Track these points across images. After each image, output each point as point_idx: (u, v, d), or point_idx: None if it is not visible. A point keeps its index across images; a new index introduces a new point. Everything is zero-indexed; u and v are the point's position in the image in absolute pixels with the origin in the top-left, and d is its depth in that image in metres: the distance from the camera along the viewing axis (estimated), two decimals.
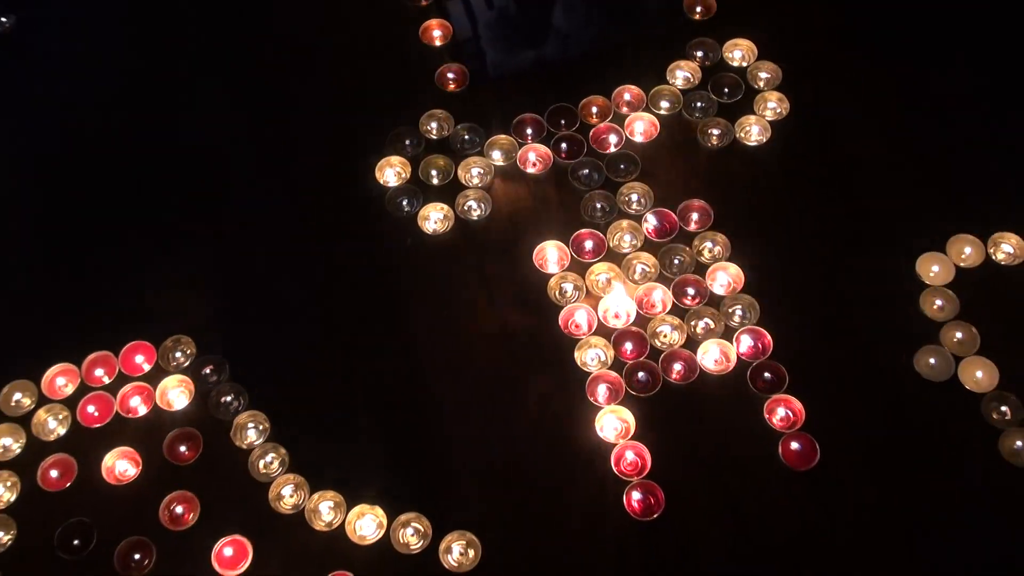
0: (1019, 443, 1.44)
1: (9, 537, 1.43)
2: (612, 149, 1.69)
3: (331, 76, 1.80)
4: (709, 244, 1.61)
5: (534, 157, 1.69)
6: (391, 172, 1.69)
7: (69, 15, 1.87)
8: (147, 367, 1.55)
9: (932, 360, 1.51)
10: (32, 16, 1.85)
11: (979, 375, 1.49)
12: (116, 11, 1.87)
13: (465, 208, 1.66)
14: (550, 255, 1.61)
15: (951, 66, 1.75)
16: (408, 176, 1.69)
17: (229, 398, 1.52)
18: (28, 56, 1.83)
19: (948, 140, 1.69)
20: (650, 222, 1.63)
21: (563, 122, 1.71)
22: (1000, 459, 1.44)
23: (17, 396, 1.52)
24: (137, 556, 1.41)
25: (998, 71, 1.75)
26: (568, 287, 1.59)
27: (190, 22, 1.85)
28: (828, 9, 1.81)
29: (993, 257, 1.59)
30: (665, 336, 1.55)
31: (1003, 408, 1.47)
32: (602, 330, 1.56)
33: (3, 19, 1.82)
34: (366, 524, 1.43)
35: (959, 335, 1.52)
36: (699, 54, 1.76)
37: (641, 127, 1.70)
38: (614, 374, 1.52)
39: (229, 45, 1.83)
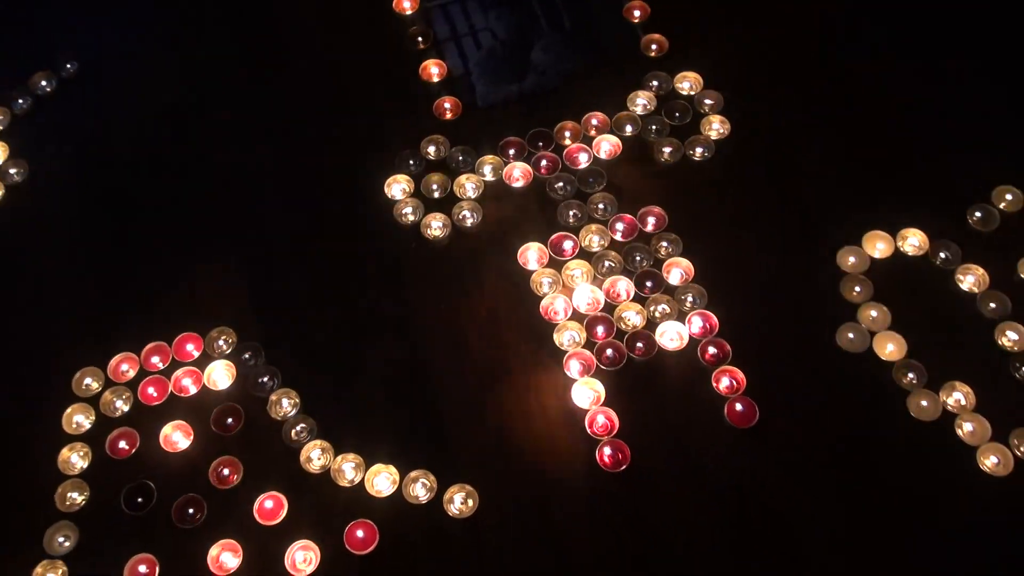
0: (923, 402, 1.48)
1: (83, 498, 1.46)
2: (582, 165, 1.72)
3: (345, 109, 1.82)
4: (664, 243, 1.64)
5: (517, 173, 1.72)
6: (397, 188, 1.71)
7: (120, 59, 1.89)
8: (196, 354, 1.58)
9: (851, 335, 1.54)
10: (91, 62, 1.87)
11: (890, 347, 1.53)
12: (157, 57, 1.90)
13: (460, 217, 1.68)
14: (532, 254, 1.64)
15: (860, 91, 1.79)
16: (412, 191, 1.71)
17: (265, 378, 1.55)
18: (88, 95, 1.85)
19: (862, 152, 1.73)
20: (615, 226, 1.66)
21: (541, 143, 1.74)
22: (908, 415, 1.48)
23: (87, 380, 1.55)
24: (191, 510, 1.45)
25: (902, 95, 1.79)
26: (547, 280, 1.61)
27: (224, 66, 1.88)
28: (760, 48, 1.84)
29: (901, 249, 1.62)
30: (629, 320, 1.58)
31: (910, 374, 1.51)
32: (576, 316, 1.59)
33: (68, 65, 1.84)
34: (382, 481, 1.46)
35: (873, 314, 1.56)
36: (654, 84, 1.79)
37: (606, 146, 1.73)
38: (587, 352, 1.55)
39: (260, 87, 1.86)
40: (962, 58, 1.83)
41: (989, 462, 1.46)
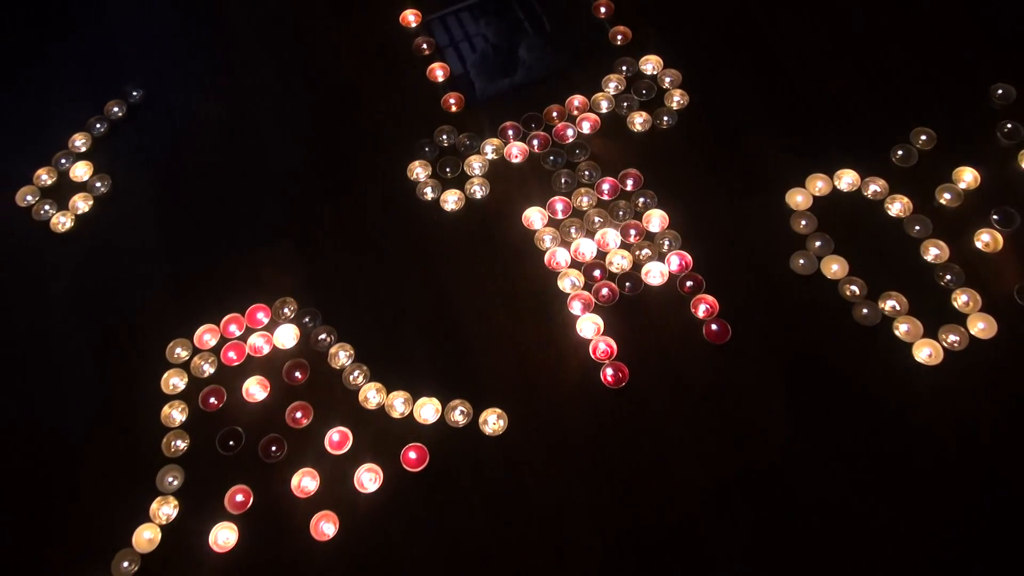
0: (865, 311, 1.53)
1: (185, 444, 1.51)
2: (569, 140, 1.75)
3: (368, 111, 1.83)
4: (642, 198, 1.67)
5: (516, 151, 1.74)
6: (418, 171, 1.74)
7: (176, 86, 1.90)
8: (265, 321, 1.62)
9: (802, 261, 1.58)
10: (153, 89, 1.89)
11: (835, 268, 1.57)
12: (209, 82, 1.91)
13: (471, 191, 1.71)
14: (533, 216, 1.67)
15: (796, 60, 1.80)
16: (430, 172, 1.74)
17: (323, 336, 1.59)
18: (153, 117, 1.87)
19: (801, 109, 1.75)
20: (600, 187, 1.69)
21: (533, 125, 1.77)
22: (853, 322, 1.53)
23: (178, 350, 1.60)
24: (273, 448, 1.50)
25: (830, 60, 1.80)
26: (548, 237, 1.65)
27: (265, 86, 1.88)
28: (709, 30, 1.85)
29: (838, 187, 1.65)
30: (618, 263, 1.62)
31: (853, 287, 1.55)
32: (574, 264, 1.63)
33: (134, 93, 1.87)
34: (427, 411, 1.51)
35: (819, 243, 1.60)
36: (623, 68, 1.81)
37: (587, 123, 1.76)
38: (586, 292, 1.59)
39: (297, 100, 1.87)
40: (876, 27, 1.85)
41: (923, 355, 1.51)
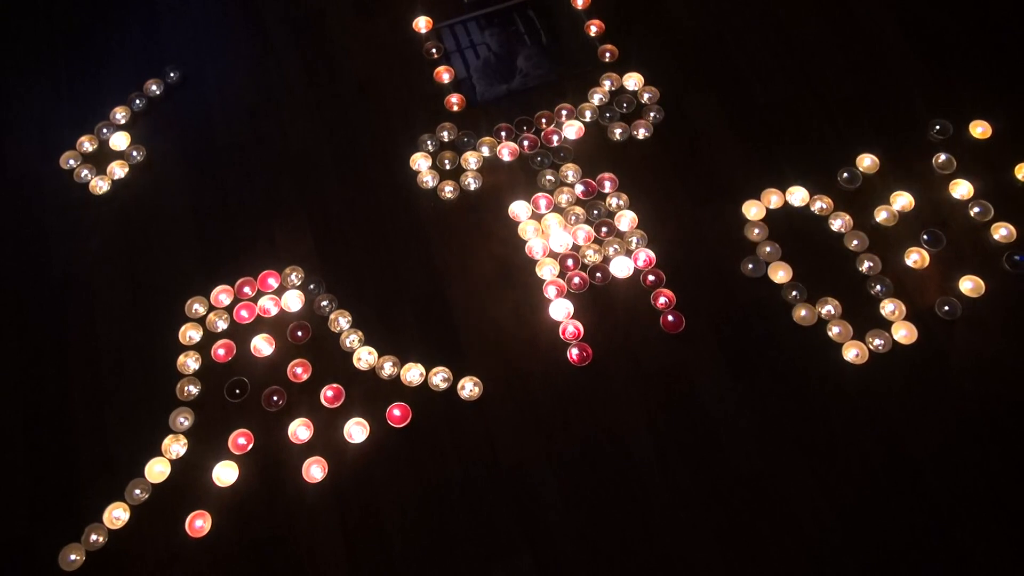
0: (803, 312, 1.51)
1: (197, 390, 1.49)
2: (555, 143, 1.71)
3: (379, 104, 1.78)
4: (616, 200, 1.64)
5: (507, 150, 1.71)
6: (420, 162, 1.70)
7: (211, 70, 1.83)
8: (275, 285, 1.59)
9: (751, 265, 1.56)
10: (190, 72, 1.83)
11: (781, 274, 1.55)
12: (239, 69, 1.84)
13: (466, 183, 1.68)
14: (518, 209, 1.64)
15: (759, 86, 1.76)
16: (430, 164, 1.70)
17: (325, 302, 1.56)
18: (188, 97, 1.81)
19: (762, 131, 1.70)
20: (579, 187, 1.66)
21: (525, 128, 1.73)
22: (792, 322, 1.52)
23: (196, 306, 1.57)
24: (275, 398, 1.49)
25: (787, 89, 1.75)
26: (530, 228, 1.62)
27: (290, 76, 1.82)
28: (686, 55, 1.80)
29: (789, 202, 1.63)
30: (590, 256, 1.59)
31: (794, 292, 1.54)
32: (551, 254, 1.60)
33: (172, 74, 1.81)
34: (412, 374, 1.49)
35: (768, 249, 1.58)
36: (608, 83, 1.76)
37: (572, 129, 1.72)
38: (560, 280, 1.57)
39: (317, 91, 1.81)
40: (833, 63, 1.80)
41: (850, 355, 1.49)
